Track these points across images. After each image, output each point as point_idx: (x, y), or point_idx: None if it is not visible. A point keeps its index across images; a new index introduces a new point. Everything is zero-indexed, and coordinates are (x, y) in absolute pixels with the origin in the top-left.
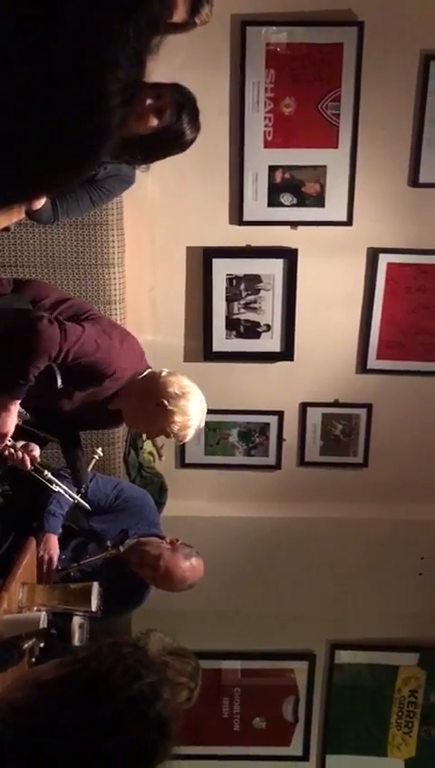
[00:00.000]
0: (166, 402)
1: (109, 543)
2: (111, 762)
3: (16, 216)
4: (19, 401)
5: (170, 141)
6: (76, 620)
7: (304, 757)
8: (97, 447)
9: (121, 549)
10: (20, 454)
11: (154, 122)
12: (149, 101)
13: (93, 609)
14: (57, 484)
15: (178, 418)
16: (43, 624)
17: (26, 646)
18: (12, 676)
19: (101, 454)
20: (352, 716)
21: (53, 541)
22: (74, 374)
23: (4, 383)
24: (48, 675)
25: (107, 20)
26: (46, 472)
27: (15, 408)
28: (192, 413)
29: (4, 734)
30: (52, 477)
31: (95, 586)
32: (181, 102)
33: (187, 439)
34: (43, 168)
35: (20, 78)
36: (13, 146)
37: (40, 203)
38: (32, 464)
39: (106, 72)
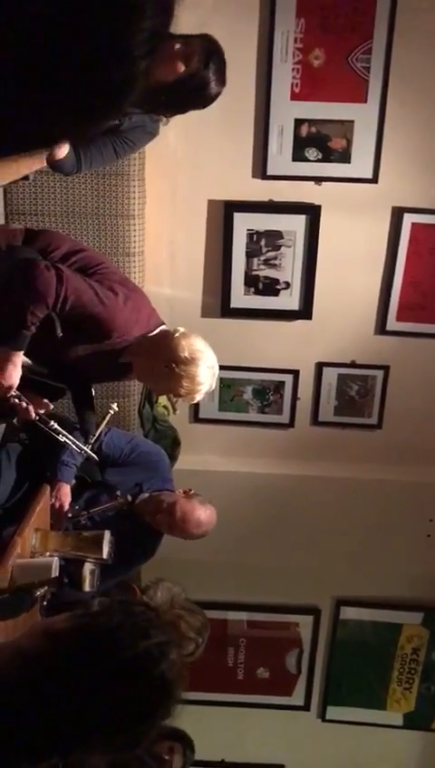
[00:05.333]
0: (174, 366)
1: (119, 493)
2: (109, 714)
3: (38, 164)
4: (22, 352)
5: (195, 91)
6: (87, 567)
7: (306, 707)
8: (112, 402)
9: (131, 499)
10: (24, 404)
11: (181, 68)
12: (177, 47)
13: (104, 556)
14: (63, 435)
15: (185, 383)
16: (54, 570)
17: (38, 593)
18: (24, 622)
19: (117, 409)
20: (353, 671)
21: (66, 489)
22: (75, 326)
23: (6, 333)
24: (58, 625)
25: None
26: (52, 422)
27: (19, 359)
28: (201, 379)
29: (13, 677)
30: (58, 428)
31: (107, 534)
32: (209, 51)
33: (194, 401)
34: (68, 115)
35: (48, 30)
36: (40, 93)
37: (63, 152)
38: (36, 414)
39: (131, 22)
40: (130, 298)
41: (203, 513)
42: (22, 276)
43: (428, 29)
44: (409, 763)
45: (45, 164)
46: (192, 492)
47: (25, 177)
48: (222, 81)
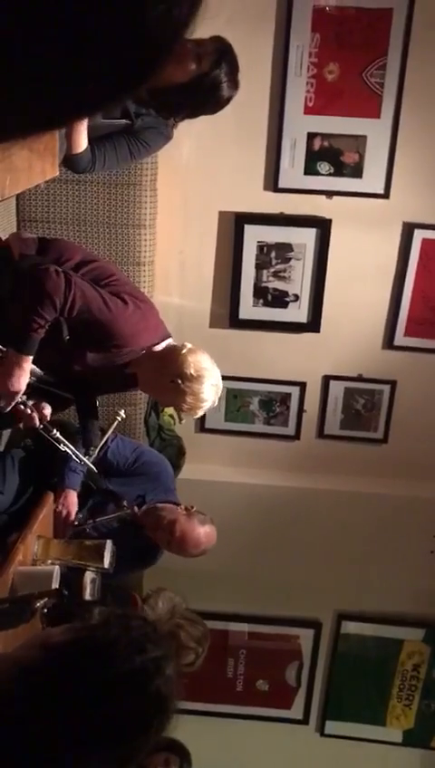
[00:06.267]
0: (180, 382)
1: (125, 504)
2: (103, 729)
3: (51, 172)
4: (31, 357)
5: (207, 91)
6: (88, 575)
7: (304, 721)
8: (120, 409)
9: (137, 511)
10: (29, 411)
11: (193, 67)
12: (189, 46)
13: (106, 565)
14: (64, 444)
15: (189, 399)
16: (55, 579)
17: (38, 604)
18: (23, 633)
19: (124, 416)
20: (353, 685)
21: (73, 497)
22: (82, 334)
23: (13, 337)
24: (56, 638)
25: None
26: (55, 431)
27: (28, 365)
28: (204, 396)
29: (8, 689)
30: (59, 437)
31: (109, 543)
32: (222, 52)
33: (196, 416)
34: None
35: None
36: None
37: (82, 146)
38: (41, 422)
39: None
40: (139, 308)
41: (203, 533)
42: (31, 280)
43: None
44: None
45: (58, 172)
46: (194, 509)
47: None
48: (234, 84)
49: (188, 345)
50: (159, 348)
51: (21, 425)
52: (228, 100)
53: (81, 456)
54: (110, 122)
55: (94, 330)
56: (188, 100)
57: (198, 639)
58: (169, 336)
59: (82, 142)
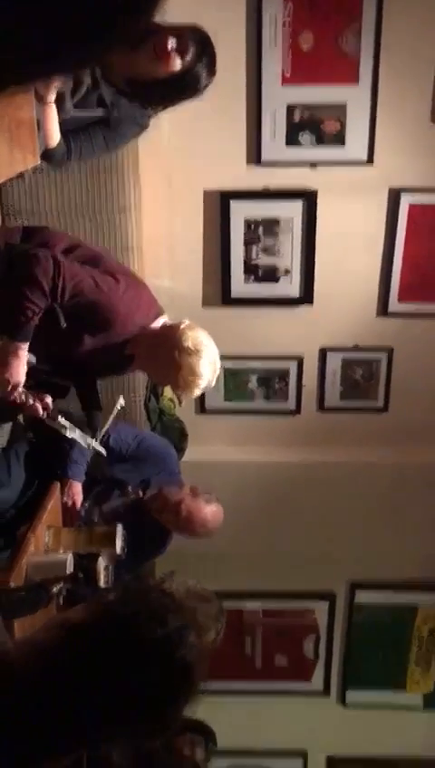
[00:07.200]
0: (177, 355)
1: (130, 489)
2: (133, 703)
3: (32, 161)
4: (26, 345)
5: (187, 84)
6: (101, 562)
7: (325, 692)
8: (119, 397)
9: (142, 495)
10: (31, 401)
11: (178, 63)
12: (171, 44)
13: (118, 551)
14: (71, 430)
15: (185, 373)
16: (69, 566)
17: (55, 589)
18: (41, 618)
19: (123, 404)
20: (371, 654)
21: (77, 487)
22: (78, 316)
23: (7, 326)
24: (75, 617)
25: None
26: (60, 418)
27: (24, 353)
28: (201, 371)
29: (32, 672)
30: (65, 423)
31: (119, 528)
32: (202, 44)
33: (193, 396)
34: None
35: None
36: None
37: (55, 140)
38: (44, 410)
39: None
40: (131, 286)
41: (209, 512)
42: (20, 266)
43: (415, 5)
44: (430, 744)
45: (39, 160)
46: (199, 489)
47: (20, 176)
48: (212, 72)
49: (187, 321)
50: (155, 325)
51: (21, 418)
52: (205, 88)
53: (90, 441)
54: (85, 113)
55: (90, 311)
56: (169, 94)
57: (215, 616)
58: (162, 313)
59: (54, 135)
